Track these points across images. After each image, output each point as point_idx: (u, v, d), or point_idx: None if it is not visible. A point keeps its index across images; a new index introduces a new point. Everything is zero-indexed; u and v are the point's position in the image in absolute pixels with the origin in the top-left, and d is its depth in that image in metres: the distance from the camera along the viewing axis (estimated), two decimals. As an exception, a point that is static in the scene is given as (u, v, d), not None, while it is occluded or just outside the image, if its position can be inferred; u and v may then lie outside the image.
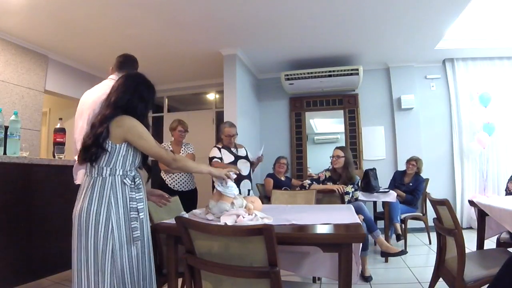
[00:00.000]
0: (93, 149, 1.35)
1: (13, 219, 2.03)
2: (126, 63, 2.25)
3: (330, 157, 3.20)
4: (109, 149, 1.36)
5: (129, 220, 1.38)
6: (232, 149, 3.20)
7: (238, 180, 3.08)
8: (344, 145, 4.92)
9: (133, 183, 1.42)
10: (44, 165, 2.28)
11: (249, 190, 3.16)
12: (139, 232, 1.39)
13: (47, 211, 2.27)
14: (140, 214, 1.41)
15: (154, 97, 1.56)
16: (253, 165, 3.31)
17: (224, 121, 4.11)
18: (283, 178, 3.99)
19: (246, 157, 3.23)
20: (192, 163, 1.68)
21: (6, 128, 2.14)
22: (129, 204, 1.39)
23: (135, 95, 1.46)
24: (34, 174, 2.19)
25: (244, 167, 3.11)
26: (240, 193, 2.99)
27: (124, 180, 1.40)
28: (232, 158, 3.11)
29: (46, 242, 2.26)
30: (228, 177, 1.59)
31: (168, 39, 3.96)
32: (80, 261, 1.34)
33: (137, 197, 1.42)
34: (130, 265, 1.37)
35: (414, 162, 3.94)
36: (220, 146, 3.18)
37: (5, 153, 2.09)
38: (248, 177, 3.15)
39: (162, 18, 3.45)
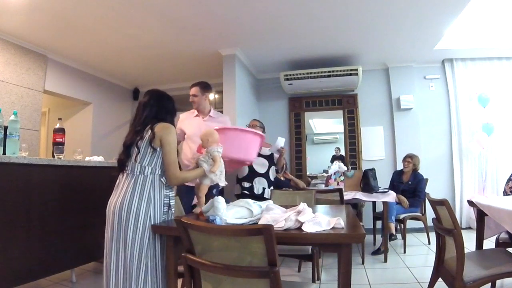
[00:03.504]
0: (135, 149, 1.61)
1: (12, 219, 2.03)
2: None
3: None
4: (151, 151, 1.58)
5: (163, 210, 1.59)
6: None
7: (252, 177, 3.19)
8: (343, 146, 4.96)
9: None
10: (44, 165, 2.28)
11: (264, 188, 3.19)
12: (167, 217, 1.62)
13: (47, 211, 2.27)
14: (171, 208, 1.65)
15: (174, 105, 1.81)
16: (278, 160, 3.30)
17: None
18: (282, 178, 3.98)
19: (268, 157, 3.27)
20: (191, 174, 1.72)
21: (6, 128, 2.13)
22: (164, 200, 1.61)
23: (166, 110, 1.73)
24: (34, 174, 2.19)
25: (259, 165, 3.21)
26: (253, 190, 3.08)
27: (161, 179, 1.61)
28: None
29: (46, 242, 2.25)
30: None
31: (167, 39, 3.96)
32: (118, 248, 1.53)
33: (170, 195, 1.65)
34: (161, 251, 1.56)
35: (409, 158, 3.94)
36: None
37: (4, 153, 2.08)
38: (264, 175, 3.22)
39: (162, 18, 3.45)
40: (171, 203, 1.65)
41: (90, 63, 4.75)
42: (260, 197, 3.09)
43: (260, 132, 2.52)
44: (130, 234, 1.51)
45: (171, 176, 1.59)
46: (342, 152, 5.03)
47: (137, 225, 1.51)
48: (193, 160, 1.81)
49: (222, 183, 1.74)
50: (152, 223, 1.53)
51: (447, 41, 4.26)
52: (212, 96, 5.82)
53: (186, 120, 2.74)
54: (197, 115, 2.79)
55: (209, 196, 1.76)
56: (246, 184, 3.21)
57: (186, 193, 2.53)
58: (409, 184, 3.87)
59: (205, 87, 2.85)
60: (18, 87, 3.85)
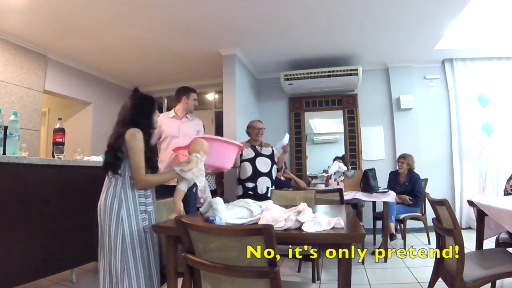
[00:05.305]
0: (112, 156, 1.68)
1: (12, 219, 2.03)
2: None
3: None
4: (121, 156, 1.65)
5: (138, 213, 1.65)
6: (257, 147, 3.34)
7: (256, 177, 3.20)
8: (343, 146, 4.96)
9: None
10: (44, 165, 2.28)
11: (267, 188, 3.19)
12: (147, 222, 1.68)
13: (47, 211, 2.27)
14: (148, 207, 1.70)
15: (155, 107, 1.84)
16: (280, 158, 3.40)
17: (224, 121, 4.17)
18: (282, 178, 3.98)
19: (269, 156, 3.31)
20: (157, 177, 1.76)
21: (6, 128, 2.13)
22: (138, 200, 1.66)
23: (141, 111, 1.76)
24: (34, 174, 2.19)
25: (263, 165, 3.25)
26: (257, 190, 3.10)
27: (132, 181, 1.66)
28: (252, 155, 3.26)
29: (46, 242, 2.26)
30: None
31: (167, 39, 3.96)
32: (100, 245, 1.65)
33: (146, 194, 1.71)
34: (137, 251, 1.62)
35: (403, 159, 3.92)
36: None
37: (4, 153, 2.08)
38: (267, 174, 3.24)
39: (162, 18, 3.45)
40: (148, 209, 1.69)
41: (90, 63, 4.75)
42: (264, 197, 3.08)
43: (239, 143, 2.57)
44: (106, 231, 1.61)
45: (136, 179, 1.64)
46: (343, 152, 5.03)
47: (111, 222, 1.60)
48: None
49: (199, 182, 1.77)
50: (125, 226, 1.60)
51: (447, 41, 4.26)
52: (211, 96, 5.83)
53: (164, 121, 2.76)
54: (173, 117, 2.81)
55: (190, 195, 1.79)
56: (250, 185, 3.21)
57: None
58: (406, 185, 3.85)
59: (177, 93, 2.91)
60: (18, 87, 3.85)
